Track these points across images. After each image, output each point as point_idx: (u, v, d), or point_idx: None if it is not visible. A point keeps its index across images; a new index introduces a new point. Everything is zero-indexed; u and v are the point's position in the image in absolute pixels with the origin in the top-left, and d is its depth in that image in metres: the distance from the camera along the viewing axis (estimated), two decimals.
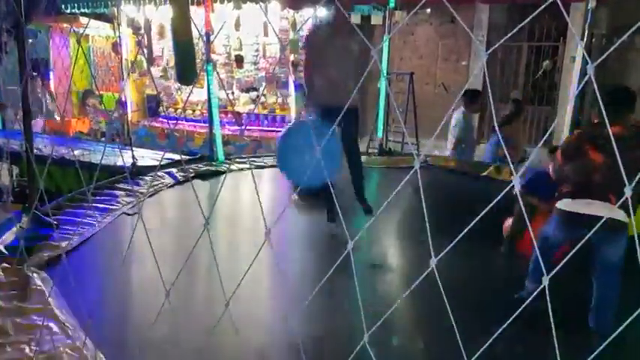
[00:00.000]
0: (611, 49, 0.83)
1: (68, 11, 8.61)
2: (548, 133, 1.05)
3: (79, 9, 8.54)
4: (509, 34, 0.99)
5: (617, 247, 2.49)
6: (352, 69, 3.36)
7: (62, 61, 9.14)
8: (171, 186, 5.18)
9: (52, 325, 2.42)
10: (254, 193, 5.05)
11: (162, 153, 6.49)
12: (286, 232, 4.07)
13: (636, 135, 2.55)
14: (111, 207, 4.31)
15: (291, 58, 8.07)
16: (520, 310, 0.92)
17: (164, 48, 8.88)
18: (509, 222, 3.69)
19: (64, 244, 3.39)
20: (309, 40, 3.69)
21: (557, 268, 0.86)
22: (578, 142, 2.68)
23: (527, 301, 0.88)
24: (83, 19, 8.55)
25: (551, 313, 0.87)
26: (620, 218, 2.45)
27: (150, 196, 4.76)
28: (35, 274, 2.93)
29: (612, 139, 0.83)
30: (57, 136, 8.10)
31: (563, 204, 2.65)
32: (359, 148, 3.93)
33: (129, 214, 4.24)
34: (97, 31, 9.25)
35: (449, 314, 0.97)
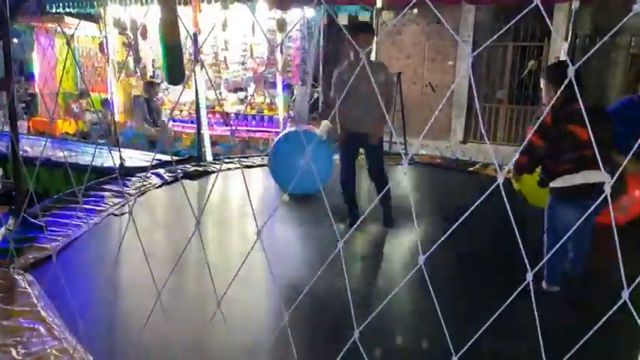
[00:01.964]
0: (593, 49, 0.86)
1: (53, 11, 8.51)
2: (532, 132, 1.07)
3: (64, 9, 8.45)
4: (495, 37, 1.01)
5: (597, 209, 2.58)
6: (376, 104, 3.64)
7: (48, 61, 9.04)
8: (159, 186, 5.16)
9: (39, 327, 2.40)
10: (243, 193, 5.05)
11: (149, 154, 6.43)
12: (277, 231, 4.07)
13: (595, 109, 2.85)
14: (98, 208, 4.28)
15: (280, 59, 8.06)
16: (511, 299, 0.94)
17: (152, 48, 8.81)
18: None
19: (50, 245, 3.36)
20: (335, 81, 4.01)
21: (540, 265, 0.88)
22: (556, 123, 2.69)
23: (517, 292, 0.90)
24: (69, 19, 8.46)
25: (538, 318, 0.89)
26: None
27: (138, 196, 4.74)
28: (21, 277, 2.90)
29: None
30: (43, 136, 8.00)
31: (563, 181, 2.70)
32: (387, 179, 4.09)
33: (116, 215, 4.23)
34: (83, 31, 9.15)
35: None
